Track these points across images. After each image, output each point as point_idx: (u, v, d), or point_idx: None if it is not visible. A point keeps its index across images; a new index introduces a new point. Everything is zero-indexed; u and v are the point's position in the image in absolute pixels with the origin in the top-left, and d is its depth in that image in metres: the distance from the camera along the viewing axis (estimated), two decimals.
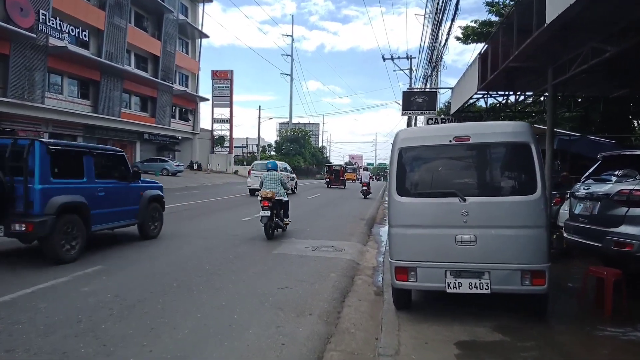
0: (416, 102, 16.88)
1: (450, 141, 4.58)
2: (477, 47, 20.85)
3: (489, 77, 9.32)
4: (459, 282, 4.44)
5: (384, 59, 41.79)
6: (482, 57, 10.16)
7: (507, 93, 12.91)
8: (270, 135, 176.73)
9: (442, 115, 18.83)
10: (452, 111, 16.02)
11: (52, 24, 26.68)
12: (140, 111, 39.50)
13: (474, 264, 4.41)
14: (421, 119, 41.92)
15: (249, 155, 65.51)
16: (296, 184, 26.91)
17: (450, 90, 16.16)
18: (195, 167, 45.48)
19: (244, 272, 6.47)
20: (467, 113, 16.42)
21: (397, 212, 4.71)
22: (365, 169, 33.54)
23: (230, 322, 4.42)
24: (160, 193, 9.47)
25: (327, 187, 34.02)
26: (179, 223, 11.71)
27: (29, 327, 4.09)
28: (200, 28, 46.94)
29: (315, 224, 12.37)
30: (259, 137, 52.63)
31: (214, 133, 52.17)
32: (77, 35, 29.92)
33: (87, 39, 31.05)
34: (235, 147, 58.39)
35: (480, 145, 4.59)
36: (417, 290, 5.06)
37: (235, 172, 51.44)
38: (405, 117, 26.73)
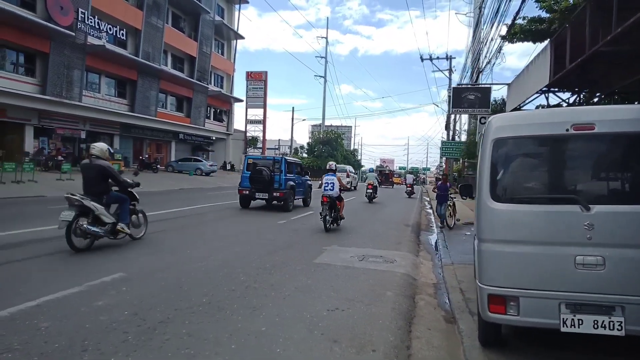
0: (467, 99, 15.54)
1: (567, 130, 3.45)
2: (523, 47, 19.26)
3: (568, 65, 7.98)
4: (578, 319, 3.30)
5: (422, 59, 40.64)
6: (556, 42, 8.78)
7: (577, 91, 11.39)
8: (303, 138, 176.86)
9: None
10: (508, 108, 14.64)
11: (91, 22, 26.71)
12: (176, 111, 39.55)
13: (601, 295, 3.27)
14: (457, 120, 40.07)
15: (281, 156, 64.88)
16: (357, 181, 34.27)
17: (506, 87, 14.79)
18: (229, 167, 45.26)
19: (284, 286, 5.48)
20: None
21: (491, 223, 3.60)
22: (410, 173, 39.55)
23: (273, 358, 3.43)
24: (310, 183, 17.47)
25: (379, 186, 39.93)
26: (209, 226, 10.90)
27: (19, 357, 3.23)
28: (235, 29, 46.76)
29: (358, 230, 11.31)
30: (292, 139, 52.02)
31: (247, 134, 51.91)
32: (115, 34, 30.00)
33: (124, 38, 31.14)
34: (267, 148, 58.04)
35: (610, 136, 3.43)
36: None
37: None
38: (444, 119, 25.70)
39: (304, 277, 5.97)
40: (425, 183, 57.48)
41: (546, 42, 18.38)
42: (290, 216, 13.19)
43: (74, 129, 28.91)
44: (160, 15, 34.00)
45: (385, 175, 45.61)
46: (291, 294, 5.14)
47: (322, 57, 63.60)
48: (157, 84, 34.51)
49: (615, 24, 6.17)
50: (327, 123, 77.40)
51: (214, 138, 45.59)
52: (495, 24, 15.28)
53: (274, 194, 14.03)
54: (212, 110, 45.63)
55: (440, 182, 14.42)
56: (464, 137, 42.09)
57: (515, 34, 19.98)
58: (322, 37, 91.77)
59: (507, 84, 14.57)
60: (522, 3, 10.62)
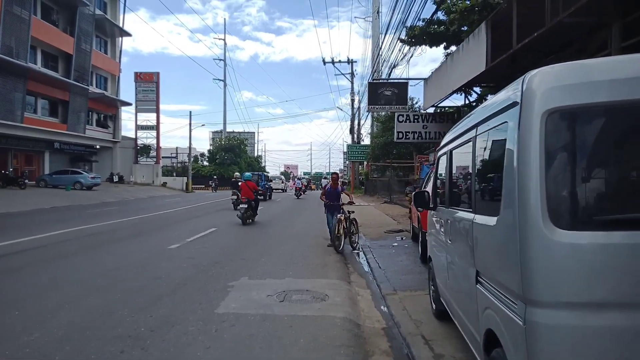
0: (384, 95, 14.36)
1: None
2: (428, 51, 18.98)
3: (515, 45, 6.83)
4: None
5: (325, 63, 40.56)
6: (494, 21, 7.62)
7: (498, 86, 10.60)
8: (203, 145, 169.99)
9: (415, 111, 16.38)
10: (425, 106, 13.71)
11: None
12: (49, 116, 34.11)
13: None
14: (367, 122, 40.10)
15: (179, 165, 60.53)
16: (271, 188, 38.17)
17: (423, 82, 13.86)
18: (116, 179, 40.40)
19: None
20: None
21: (554, 271, 1.88)
22: (325, 178, 46.19)
23: None
24: (271, 187, 35.60)
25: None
26: (74, 259, 8.18)
27: None
28: (120, 25, 42.10)
29: (271, 250, 9.36)
30: (190, 146, 48.14)
31: (138, 141, 47.08)
32: None
33: None
34: (163, 157, 53.56)
35: None
36: None
37: (164, 184, 46.63)
38: (346, 123, 26.17)
39: (200, 348, 3.86)
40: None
41: (441, 46, 18.20)
42: (187, 237, 10.78)
43: None
44: (25, 4, 28.83)
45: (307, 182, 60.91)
46: None
47: (220, 60, 61.11)
48: (23, 85, 29.21)
49: None
50: (228, 129, 74.44)
51: (97, 147, 40.40)
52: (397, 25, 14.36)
53: (259, 192, 24.25)
54: (95, 115, 40.42)
55: (328, 186, 10.24)
56: (367, 141, 42.46)
57: (415, 37, 19.59)
58: (220, 39, 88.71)
59: (423, 79, 13.66)
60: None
